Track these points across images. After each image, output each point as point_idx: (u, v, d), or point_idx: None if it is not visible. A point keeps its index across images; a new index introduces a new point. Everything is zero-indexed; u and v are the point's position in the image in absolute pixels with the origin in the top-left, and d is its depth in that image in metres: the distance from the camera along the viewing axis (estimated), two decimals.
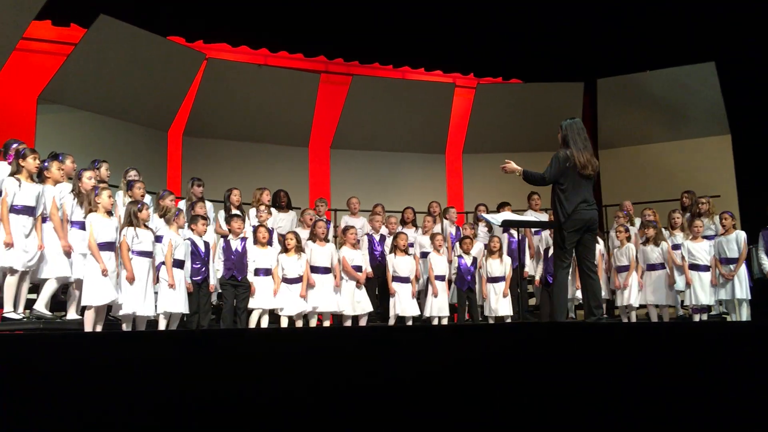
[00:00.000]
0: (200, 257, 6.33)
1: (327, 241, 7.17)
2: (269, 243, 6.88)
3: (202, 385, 1.90)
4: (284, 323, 6.66)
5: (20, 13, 7.93)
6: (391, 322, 7.21)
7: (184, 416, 1.80)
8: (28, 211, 5.29)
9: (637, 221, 8.19)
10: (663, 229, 7.66)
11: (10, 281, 5.17)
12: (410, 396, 1.97)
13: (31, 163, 5.35)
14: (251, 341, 2.53)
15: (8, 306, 5.16)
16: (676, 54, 10.30)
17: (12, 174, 5.30)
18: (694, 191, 8.27)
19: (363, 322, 7.09)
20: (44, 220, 5.48)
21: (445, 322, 7.39)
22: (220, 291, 6.60)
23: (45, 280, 5.41)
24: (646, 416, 2.14)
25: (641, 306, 7.57)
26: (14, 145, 5.71)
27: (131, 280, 5.56)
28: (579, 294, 6.38)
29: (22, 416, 1.72)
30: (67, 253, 5.44)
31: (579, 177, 4.78)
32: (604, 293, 7.42)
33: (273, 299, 6.63)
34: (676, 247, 7.48)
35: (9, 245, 5.10)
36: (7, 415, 1.70)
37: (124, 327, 5.68)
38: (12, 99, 8.52)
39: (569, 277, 6.44)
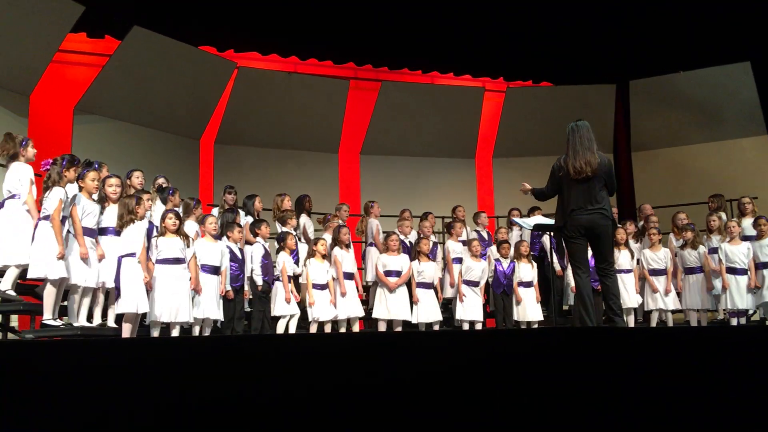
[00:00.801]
0: (239, 263, 6.41)
1: (350, 246, 7.17)
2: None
3: (203, 387, 1.92)
4: (313, 329, 6.67)
5: (56, 26, 8.13)
6: (421, 328, 7.17)
7: (185, 417, 1.83)
8: (64, 221, 5.35)
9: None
10: (700, 232, 7.52)
11: (51, 290, 5.21)
12: (410, 398, 1.97)
13: (72, 174, 5.41)
14: (251, 345, 2.55)
15: (47, 314, 5.22)
16: (711, 54, 10.13)
17: (55, 184, 5.24)
18: (723, 194, 8.09)
19: (398, 328, 7.07)
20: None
21: (479, 327, 7.33)
22: (250, 297, 6.62)
23: (72, 286, 5.42)
24: (681, 420, 2.11)
25: (678, 310, 7.44)
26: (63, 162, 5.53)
27: (148, 287, 5.59)
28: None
29: (27, 418, 1.76)
30: (85, 260, 5.34)
31: (575, 183, 4.78)
32: (639, 299, 7.31)
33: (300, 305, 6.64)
34: (713, 251, 7.33)
35: (63, 257, 5.15)
36: (30, 420, 1.74)
37: (154, 333, 5.71)
38: (49, 110, 8.71)
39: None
